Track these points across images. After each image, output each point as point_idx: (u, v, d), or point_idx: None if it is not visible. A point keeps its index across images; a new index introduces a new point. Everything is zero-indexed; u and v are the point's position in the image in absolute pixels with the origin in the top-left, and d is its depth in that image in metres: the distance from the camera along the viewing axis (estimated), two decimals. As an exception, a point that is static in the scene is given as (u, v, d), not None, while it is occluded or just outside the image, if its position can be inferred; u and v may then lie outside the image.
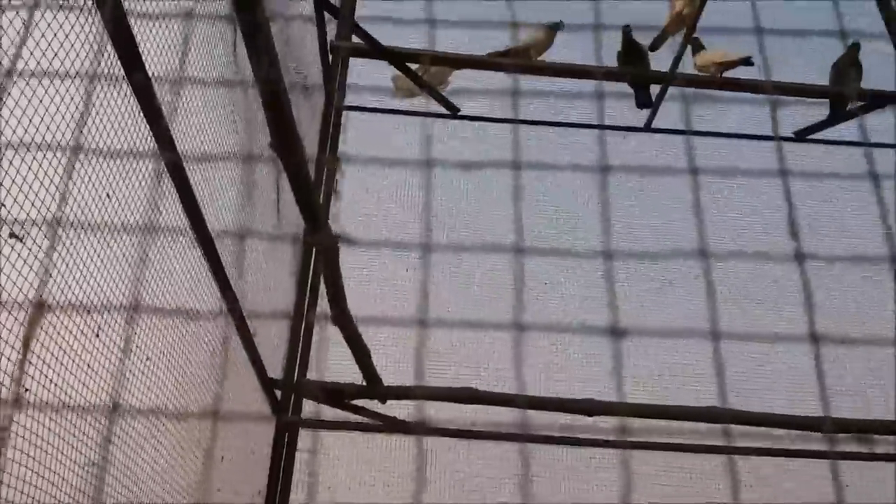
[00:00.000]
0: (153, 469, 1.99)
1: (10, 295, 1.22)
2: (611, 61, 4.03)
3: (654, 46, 4.01)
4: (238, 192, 2.53)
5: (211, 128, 2.27)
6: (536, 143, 3.94)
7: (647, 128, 4.39)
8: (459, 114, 4.40)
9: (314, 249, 3.65)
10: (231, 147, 2.49)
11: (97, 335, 1.68)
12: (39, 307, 1.11)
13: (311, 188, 1.82)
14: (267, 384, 2.96)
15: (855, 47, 3.94)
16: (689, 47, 3.86)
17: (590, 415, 2.99)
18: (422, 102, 4.26)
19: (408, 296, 3.36)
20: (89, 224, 1.48)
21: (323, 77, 4.00)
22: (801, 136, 4.25)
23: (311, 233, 2.03)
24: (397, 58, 4.10)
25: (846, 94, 3.90)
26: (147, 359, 1.99)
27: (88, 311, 1.63)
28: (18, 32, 1.24)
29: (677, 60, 3.84)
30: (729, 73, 3.95)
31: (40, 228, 1.21)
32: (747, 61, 3.90)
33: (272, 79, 1.35)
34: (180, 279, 2.06)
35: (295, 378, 3.37)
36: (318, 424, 3.41)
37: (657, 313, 3.60)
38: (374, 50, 4.06)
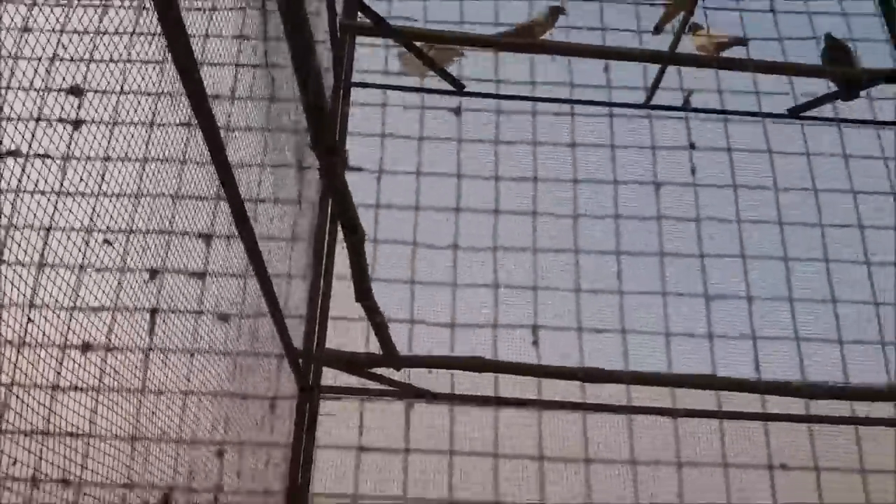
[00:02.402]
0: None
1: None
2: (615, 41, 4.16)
3: (658, 29, 4.15)
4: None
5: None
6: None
7: (647, 104, 4.54)
8: (465, 90, 4.53)
9: (329, 230, 3.83)
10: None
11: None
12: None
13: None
14: (293, 355, 3.16)
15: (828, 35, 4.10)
16: (687, 28, 4.00)
17: (593, 381, 3.22)
18: (430, 80, 4.38)
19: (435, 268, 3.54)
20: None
21: (333, 58, 4.12)
22: (795, 112, 4.41)
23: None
24: (404, 36, 4.22)
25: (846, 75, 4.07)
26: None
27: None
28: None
29: (676, 41, 3.98)
30: (726, 53, 4.10)
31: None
32: (741, 41, 4.05)
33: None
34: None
35: (314, 348, 3.58)
36: (338, 391, 3.62)
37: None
38: (382, 28, 4.18)
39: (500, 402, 3.43)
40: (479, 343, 3.38)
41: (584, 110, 4.26)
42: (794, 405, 3.55)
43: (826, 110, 4.19)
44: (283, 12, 1.79)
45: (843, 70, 4.07)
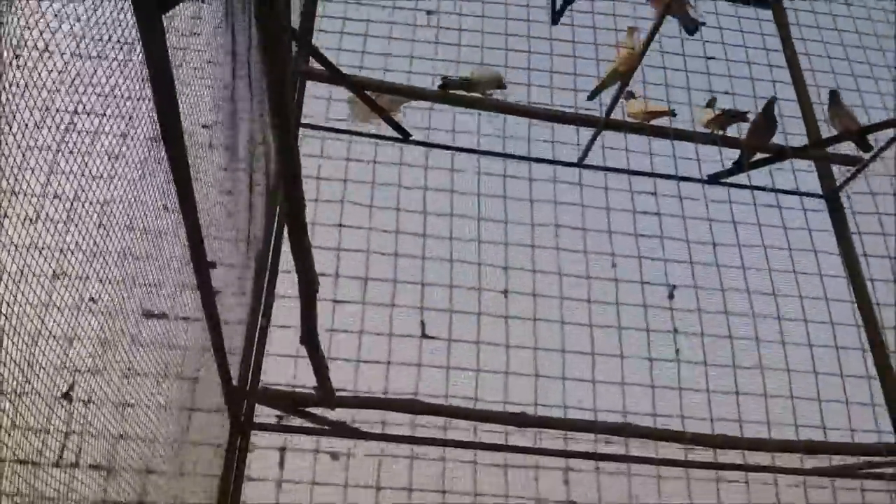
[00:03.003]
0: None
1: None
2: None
3: (592, 96, 4.44)
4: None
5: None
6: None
7: (580, 164, 4.81)
8: (410, 139, 4.69)
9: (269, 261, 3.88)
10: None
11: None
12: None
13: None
14: (230, 391, 3.17)
15: (771, 101, 4.50)
16: (622, 97, 4.31)
17: (522, 426, 3.35)
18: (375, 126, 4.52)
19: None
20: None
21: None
22: (713, 179, 4.75)
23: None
24: (354, 84, 4.37)
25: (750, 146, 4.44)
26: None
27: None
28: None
29: (611, 108, 4.27)
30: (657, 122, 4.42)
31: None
32: (672, 113, 4.39)
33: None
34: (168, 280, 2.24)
35: (249, 384, 3.59)
36: (268, 427, 3.62)
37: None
38: (334, 75, 4.32)
39: (440, 442, 3.51)
40: (420, 383, 3.47)
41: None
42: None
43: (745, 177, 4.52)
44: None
45: (750, 143, 4.45)
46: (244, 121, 2.80)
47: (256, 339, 3.68)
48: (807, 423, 3.59)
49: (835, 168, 4.66)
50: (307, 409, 3.58)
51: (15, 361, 1.22)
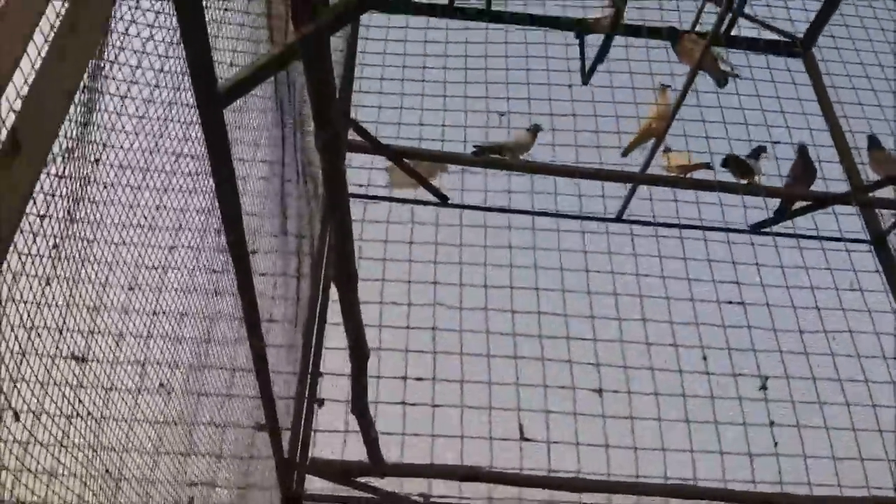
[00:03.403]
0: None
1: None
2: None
3: (626, 153, 4.47)
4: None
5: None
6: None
7: (619, 219, 4.80)
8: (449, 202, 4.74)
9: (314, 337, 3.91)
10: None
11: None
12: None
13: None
14: (281, 463, 3.15)
15: (803, 148, 4.48)
16: (659, 150, 4.34)
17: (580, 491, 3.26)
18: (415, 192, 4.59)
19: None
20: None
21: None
22: (756, 228, 4.70)
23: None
24: (393, 154, 4.45)
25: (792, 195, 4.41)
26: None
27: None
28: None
29: (647, 163, 4.29)
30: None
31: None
32: (707, 166, 4.38)
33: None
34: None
35: (298, 455, 3.57)
36: (320, 498, 3.59)
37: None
38: (372, 145, 4.41)
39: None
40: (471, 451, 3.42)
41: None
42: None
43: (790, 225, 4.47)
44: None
45: (789, 191, 4.42)
46: (291, 197, 2.86)
47: (304, 413, 3.68)
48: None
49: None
50: (357, 479, 3.54)
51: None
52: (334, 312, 3.79)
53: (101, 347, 1.50)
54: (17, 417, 1.01)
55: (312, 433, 3.67)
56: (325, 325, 3.88)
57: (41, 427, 1.11)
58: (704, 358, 3.79)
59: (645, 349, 3.80)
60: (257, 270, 2.10)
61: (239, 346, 2.39)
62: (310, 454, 3.61)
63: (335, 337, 3.55)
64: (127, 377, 1.66)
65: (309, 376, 3.75)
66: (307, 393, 3.72)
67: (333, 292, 3.19)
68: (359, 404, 2.68)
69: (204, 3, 1.42)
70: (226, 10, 1.82)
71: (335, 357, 3.65)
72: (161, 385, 1.58)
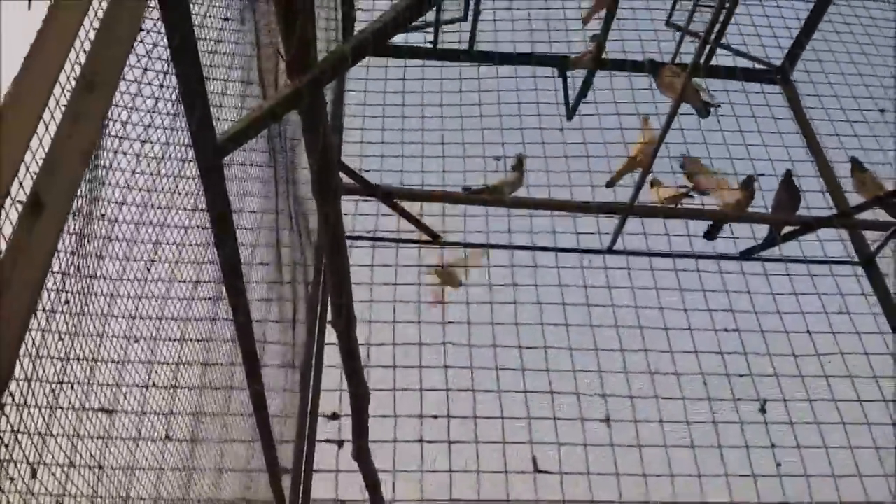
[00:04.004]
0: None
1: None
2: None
3: (610, 184, 4.56)
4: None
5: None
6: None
7: (610, 250, 4.85)
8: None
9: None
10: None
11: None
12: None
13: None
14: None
15: (787, 174, 4.56)
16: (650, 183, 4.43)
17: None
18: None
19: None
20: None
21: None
22: (745, 255, 4.76)
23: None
24: (383, 194, 4.50)
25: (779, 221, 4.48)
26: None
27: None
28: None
29: (636, 194, 4.35)
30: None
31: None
32: (688, 193, 4.48)
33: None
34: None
35: (300, 499, 3.54)
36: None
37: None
38: (365, 186, 4.46)
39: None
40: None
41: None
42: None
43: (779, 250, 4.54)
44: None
45: (777, 218, 4.49)
46: (285, 245, 2.89)
47: (305, 457, 3.66)
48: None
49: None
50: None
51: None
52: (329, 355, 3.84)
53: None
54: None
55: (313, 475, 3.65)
56: (321, 370, 3.89)
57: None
58: (705, 384, 3.88)
59: (649, 378, 3.89)
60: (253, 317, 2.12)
61: (238, 391, 2.40)
62: (311, 497, 3.58)
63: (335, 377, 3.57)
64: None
65: (308, 417, 3.73)
66: (307, 435, 3.70)
67: (331, 334, 3.21)
68: (359, 448, 2.68)
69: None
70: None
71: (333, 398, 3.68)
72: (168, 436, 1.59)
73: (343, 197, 4.69)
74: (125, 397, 1.33)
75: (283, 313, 2.88)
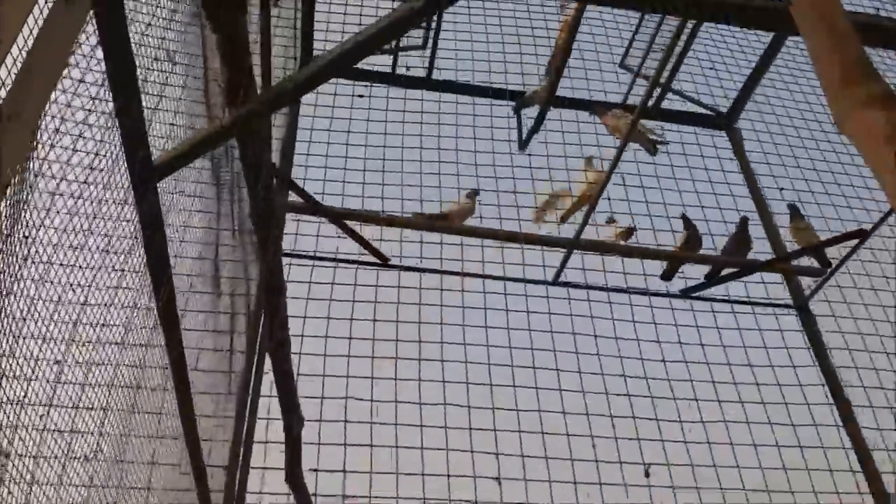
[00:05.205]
0: None
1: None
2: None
3: (563, 220, 4.64)
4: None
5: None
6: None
7: (555, 282, 4.91)
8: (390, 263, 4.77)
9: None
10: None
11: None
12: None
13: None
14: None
15: (744, 220, 4.71)
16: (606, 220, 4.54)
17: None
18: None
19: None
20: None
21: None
22: (686, 293, 4.87)
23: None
24: (333, 215, 4.48)
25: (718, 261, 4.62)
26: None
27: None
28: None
29: (581, 230, 4.44)
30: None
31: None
32: (632, 230, 4.60)
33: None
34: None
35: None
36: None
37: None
38: (313, 206, 4.43)
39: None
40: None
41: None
42: None
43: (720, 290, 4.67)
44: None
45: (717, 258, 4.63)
46: (226, 271, 2.86)
47: (238, 482, 3.58)
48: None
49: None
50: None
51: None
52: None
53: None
54: None
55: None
56: (259, 395, 3.82)
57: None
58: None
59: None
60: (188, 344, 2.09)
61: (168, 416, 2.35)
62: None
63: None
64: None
65: (242, 445, 3.66)
66: (240, 461, 3.63)
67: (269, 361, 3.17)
68: (293, 473, 2.65)
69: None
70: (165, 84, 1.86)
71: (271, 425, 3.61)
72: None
73: (293, 216, 4.73)
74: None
75: (219, 342, 2.84)
